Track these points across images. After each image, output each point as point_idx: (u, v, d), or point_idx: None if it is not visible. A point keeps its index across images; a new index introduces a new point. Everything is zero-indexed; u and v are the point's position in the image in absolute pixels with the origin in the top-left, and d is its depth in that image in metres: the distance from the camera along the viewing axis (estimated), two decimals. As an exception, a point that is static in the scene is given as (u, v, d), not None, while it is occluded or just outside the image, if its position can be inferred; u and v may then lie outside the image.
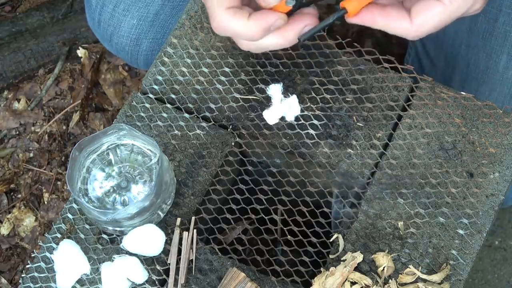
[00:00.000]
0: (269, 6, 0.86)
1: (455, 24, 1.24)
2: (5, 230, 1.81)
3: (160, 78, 1.07)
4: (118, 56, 1.39)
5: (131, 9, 1.27)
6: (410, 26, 0.87)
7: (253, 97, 1.06)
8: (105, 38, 1.32)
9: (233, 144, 1.04)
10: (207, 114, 1.06)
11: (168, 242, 0.99)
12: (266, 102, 1.05)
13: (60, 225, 1.00)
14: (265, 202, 1.03)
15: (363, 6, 0.88)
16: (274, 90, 1.04)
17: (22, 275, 0.99)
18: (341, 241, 0.98)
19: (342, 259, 0.96)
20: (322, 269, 0.96)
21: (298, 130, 1.04)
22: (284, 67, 1.07)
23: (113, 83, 1.95)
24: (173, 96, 1.06)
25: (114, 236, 1.00)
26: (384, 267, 0.95)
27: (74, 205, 1.01)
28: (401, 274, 0.95)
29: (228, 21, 0.85)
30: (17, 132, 1.91)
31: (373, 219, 0.99)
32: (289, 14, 0.89)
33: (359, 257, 0.95)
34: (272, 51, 1.07)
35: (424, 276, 0.95)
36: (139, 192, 0.98)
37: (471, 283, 1.81)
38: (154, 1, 1.27)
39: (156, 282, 0.98)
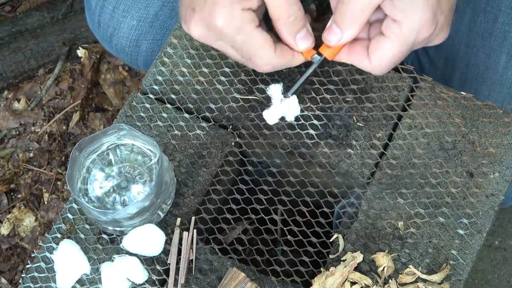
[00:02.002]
0: (299, 50, 0.98)
1: (454, 24, 1.24)
2: (5, 230, 1.81)
3: (160, 78, 1.07)
4: (117, 57, 1.39)
5: (130, 10, 1.27)
6: (369, 65, 0.96)
7: (253, 97, 1.06)
8: (104, 39, 1.32)
9: (233, 144, 1.04)
10: (207, 114, 1.06)
11: (168, 242, 0.99)
12: (266, 102, 1.05)
13: (60, 225, 1.00)
14: (265, 202, 1.03)
15: (339, 49, 0.97)
16: (274, 90, 1.04)
17: (22, 275, 0.99)
18: (341, 241, 0.98)
19: (342, 259, 0.96)
20: (322, 269, 0.96)
21: (298, 130, 1.04)
22: (284, 67, 1.07)
23: (113, 83, 1.95)
24: (173, 96, 1.07)
25: (114, 236, 1.00)
26: (384, 267, 0.95)
27: (74, 205, 1.01)
28: (401, 274, 0.96)
29: (280, 60, 0.97)
30: (17, 132, 1.91)
31: (373, 219, 0.99)
32: None
33: (359, 257, 0.95)
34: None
35: (424, 276, 0.95)
36: (139, 192, 0.98)
37: (471, 283, 1.82)
38: (154, 2, 1.27)
39: (156, 282, 0.98)
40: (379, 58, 0.95)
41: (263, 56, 0.96)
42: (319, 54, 0.98)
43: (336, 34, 0.95)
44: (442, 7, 0.93)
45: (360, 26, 0.94)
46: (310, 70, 1.00)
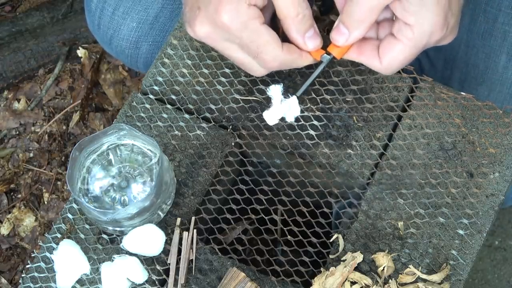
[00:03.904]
0: (307, 50, 0.98)
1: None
2: (5, 230, 1.81)
3: (160, 78, 1.07)
4: (118, 59, 1.39)
5: (130, 12, 1.27)
6: (380, 66, 0.96)
7: (253, 98, 1.06)
8: (104, 41, 1.32)
9: (233, 144, 1.04)
10: (207, 114, 1.06)
11: (168, 242, 0.99)
12: (266, 102, 1.05)
13: (60, 225, 1.00)
14: (265, 202, 1.03)
15: (348, 49, 0.97)
16: (274, 90, 1.04)
17: (22, 275, 0.99)
18: (341, 241, 0.98)
19: (342, 259, 0.96)
20: (322, 269, 0.96)
21: (298, 130, 1.04)
22: (284, 67, 1.07)
23: (113, 83, 1.95)
24: (173, 96, 1.07)
25: (114, 236, 1.00)
26: (384, 267, 0.95)
27: (74, 205, 1.01)
28: (401, 274, 0.96)
29: (288, 57, 0.97)
30: (17, 132, 1.91)
31: (373, 219, 0.99)
32: None
33: (359, 257, 0.95)
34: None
35: (424, 276, 0.95)
36: (139, 192, 0.98)
37: (471, 283, 1.82)
38: (154, 4, 1.27)
39: (156, 282, 0.98)
40: (390, 59, 0.95)
41: (270, 51, 0.95)
42: (328, 53, 0.98)
43: (344, 35, 0.95)
44: (452, 10, 0.93)
45: (367, 26, 0.93)
46: (319, 70, 1.00)
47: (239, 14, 0.92)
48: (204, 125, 1.05)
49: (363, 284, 0.94)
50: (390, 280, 0.95)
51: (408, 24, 0.92)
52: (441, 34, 0.93)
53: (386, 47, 0.95)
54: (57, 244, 0.99)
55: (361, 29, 0.94)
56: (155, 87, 1.07)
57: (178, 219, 0.99)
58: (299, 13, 0.94)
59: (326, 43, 0.98)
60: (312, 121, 1.04)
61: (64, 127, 1.91)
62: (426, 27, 0.92)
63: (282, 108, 1.04)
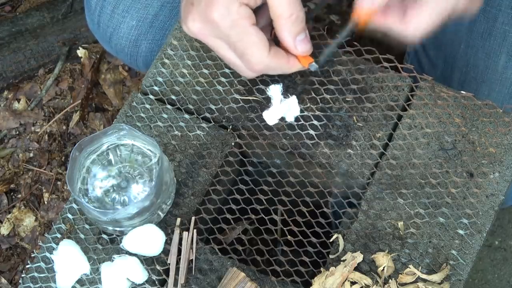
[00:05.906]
0: (298, 54, 0.96)
1: (454, 24, 1.24)
2: (5, 230, 1.81)
3: (160, 79, 1.07)
4: (117, 57, 1.39)
5: (130, 11, 1.27)
6: (406, 31, 0.95)
7: (253, 97, 1.06)
8: (104, 39, 1.32)
9: (233, 144, 1.04)
10: (207, 114, 1.06)
11: (168, 242, 0.99)
12: (266, 102, 1.05)
13: (60, 225, 1.00)
14: (265, 202, 1.03)
15: (372, 15, 0.94)
16: (274, 90, 1.04)
17: (22, 275, 0.99)
18: (341, 241, 0.98)
19: (342, 259, 0.96)
20: (322, 269, 0.96)
21: (298, 130, 1.04)
22: (284, 67, 1.07)
23: (113, 83, 1.95)
24: (173, 97, 1.07)
25: (114, 236, 1.00)
26: (384, 267, 0.95)
27: (74, 205, 1.01)
28: (401, 274, 0.96)
29: (274, 61, 0.96)
30: (17, 132, 1.91)
31: (373, 219, 0.99)
32: None
33: (359, 257, 0.95)
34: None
35: (424, 276, 0.95)
36: (139, 192, 0.98)
37: (471, 283, 1.81)
38: (153, 3, 1.27)
39: (156, 282, 0.98)
40: (418, 23, 0.94)
41: (256, 53, 0.94)
42: (334, 32, 0.97)
43: None
44: None
45: None
46: (344, 35, 0.98)
47: (229, 12, 0.92)
48: (204, 125, 1.05)
49: (363, 284, 0.94)
50: (390, 280, 0.95)
51: None
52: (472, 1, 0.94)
53: (413, 11, 0.94)
54: (57, 244, 0.99)
55: None
56: (155, 87, 1.07)
57: (178, 219, 0.99)
58: (293, 14, 0.93)
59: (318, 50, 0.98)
60: (312, 121, 1.04)
61: (64, 127, 1.91)
62: None
63: (282, 108, 1.04)
